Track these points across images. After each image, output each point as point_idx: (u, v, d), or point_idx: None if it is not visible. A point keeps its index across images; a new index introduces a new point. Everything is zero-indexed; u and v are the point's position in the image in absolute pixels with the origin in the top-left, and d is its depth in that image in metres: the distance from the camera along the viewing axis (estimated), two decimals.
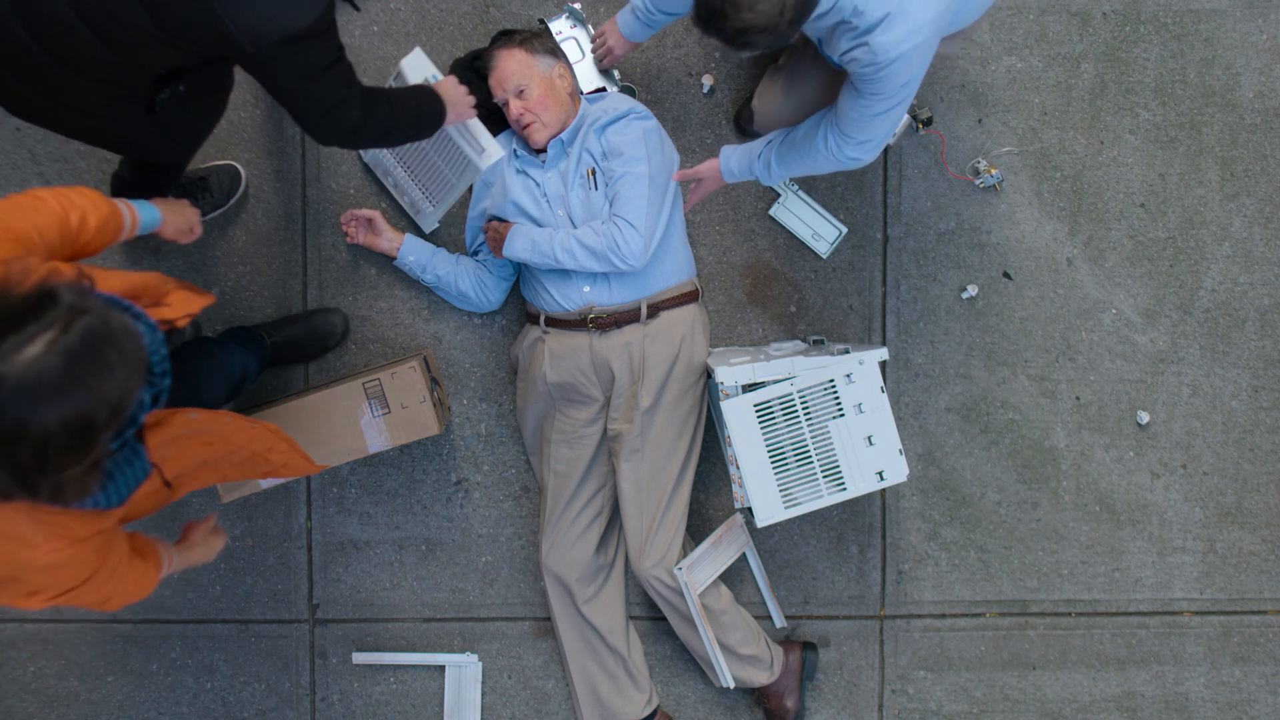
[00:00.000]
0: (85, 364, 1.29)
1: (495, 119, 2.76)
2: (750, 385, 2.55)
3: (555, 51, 2.65)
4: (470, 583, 2.97)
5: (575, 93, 2.69)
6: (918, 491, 2.99)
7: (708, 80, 2.87)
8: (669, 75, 2.88)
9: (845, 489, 2.57)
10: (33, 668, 2.96)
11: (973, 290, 2.94)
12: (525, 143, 2.68)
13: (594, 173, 2.61)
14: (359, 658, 2.95)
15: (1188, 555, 3.02)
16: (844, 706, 3.01)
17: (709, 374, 2.72)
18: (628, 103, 2.67)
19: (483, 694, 2.97)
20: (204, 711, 2.98)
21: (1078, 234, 2.96)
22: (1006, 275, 2.97)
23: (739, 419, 2.53)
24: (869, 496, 2.98)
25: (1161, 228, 2.97)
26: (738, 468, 2.56)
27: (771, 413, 2.54)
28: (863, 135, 2.28)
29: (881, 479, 2.57)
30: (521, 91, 2.59)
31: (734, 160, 2.54)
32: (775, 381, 2.53)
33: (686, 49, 2.88)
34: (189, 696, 2.98)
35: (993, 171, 2.91)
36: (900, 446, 2.55)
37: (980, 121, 2.93)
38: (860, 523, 2.99)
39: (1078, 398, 2.99)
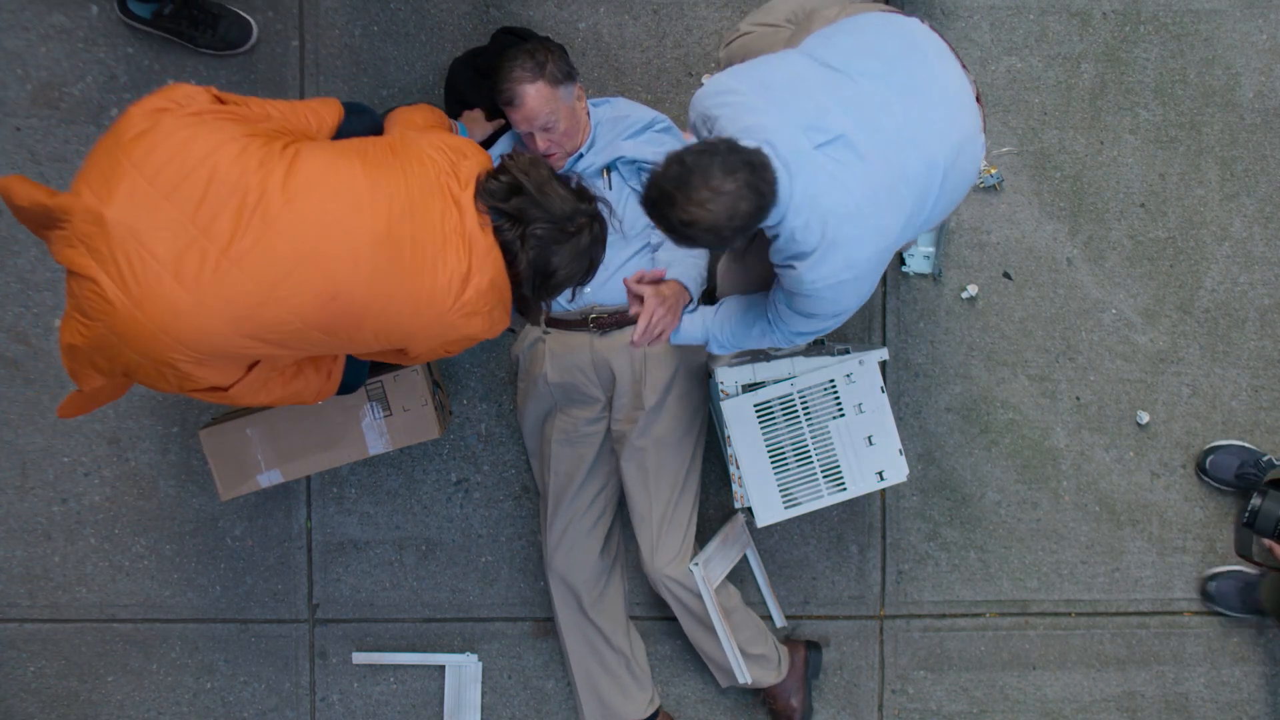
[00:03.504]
0: (594, 249, 2.08)
1: (493, 116, 2.74)
2: (750, 385, 2.55)
3: (571, 73, 2.53)
4: (470, 583, 2.97)
5: (588, 107, 2.64)
6: (918, 491, 2.99)
7: (707, 80, 2.87)
8: (669, 75, 2.88)
9: (845, 489, 2.57)
10: (33, 668, 2.96)
11: (973, 290, 2.94)
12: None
13: (609, 172, 2.58)
14: (359, 658, 2.95)
15: (1188, 555, 3.02)
16: (844, 706, 3.02)
17: (709, 373, 2.72)
18: (643, 110, 2.66)
19: (483, 694, 2.97)
20: (204, 711, 2.98)
21: (1078, 234, 2.96)
22: (1006, 275, 2.97)
23: (739, 419, 2.53)
24: (869, 496, 2.98)
25: (1161, 228, 2.97)
26: (738, 467, 2.57)
27: (771, 413, 2.54)
28: (796, 329, 2.23)
29: (882, 479, 2.57)
30: (549, 127, 2.49)
31: (686, 324, 2.40)
32: (775, 381, 2.54)
33: (686, 49, 2.88)
34: (189, 696, 2.98)
35: (993, 171, 2.91)
36: (900, 446, 2.55)
37: None
38: (860, 523, 2.99)
39: (1078, 398, 2.99)
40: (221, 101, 2.01)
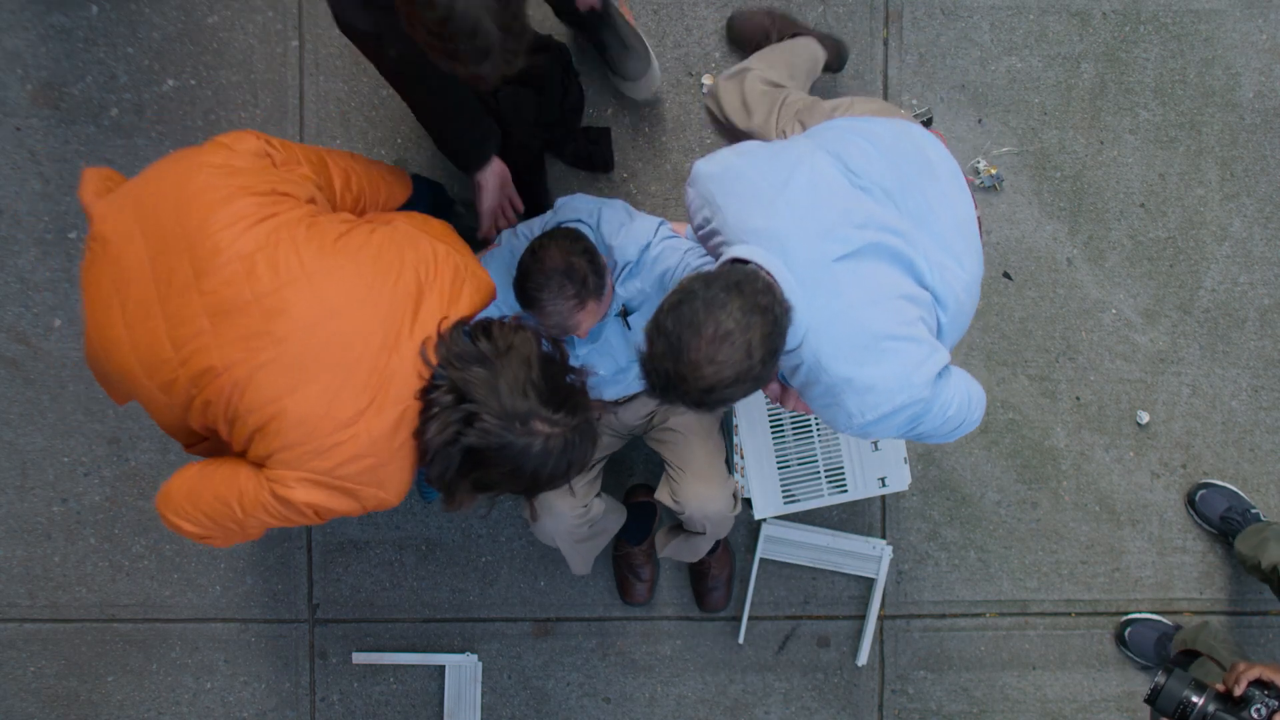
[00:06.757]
0: (547, 461, 1.75)
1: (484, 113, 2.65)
2: None
3: (602, 266, 2.31)
4: (470, 583, 2.97)
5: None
6: (918, 491, 2.99)
7: (708, 80, 2.87)
8: (669, 75, 2.88)
9: (846, 491, 2.58)
10: (33, 668, 2.96)
11: None
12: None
13: (627, 314, 2.44)
14: (359, 658, 2.95)
15: (1188, 555, 3.02)
16: (844, 706, 3.02)
17: None
18: (633, 234, 2.45)
19: (483, 694, 2.98)
20: (204, 711, 2.98)
21: (1078, 234, 2.96)
22: (1006, 275, 2.97)
23: (749, 409, 2.53)
24: (869, 496, 2.97)
25: (1161, 228, 2.97)
26: (742, 458, 2.57)
27: (781, 407, 2.54)
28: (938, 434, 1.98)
29: (884, 485, 2.57)
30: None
31: None
32: None
33: (686, 49, 2.88)
34: (189, 696, 2.98)
35: (993, 171, 2.91)
36: (905, 455, 2.55)
37: (980, 121, 2.93)
38: (860, 522, 2.99)
39: (1078, 398, 2.99)
40: (270, 150, 1.93)
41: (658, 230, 2.44)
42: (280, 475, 1.74)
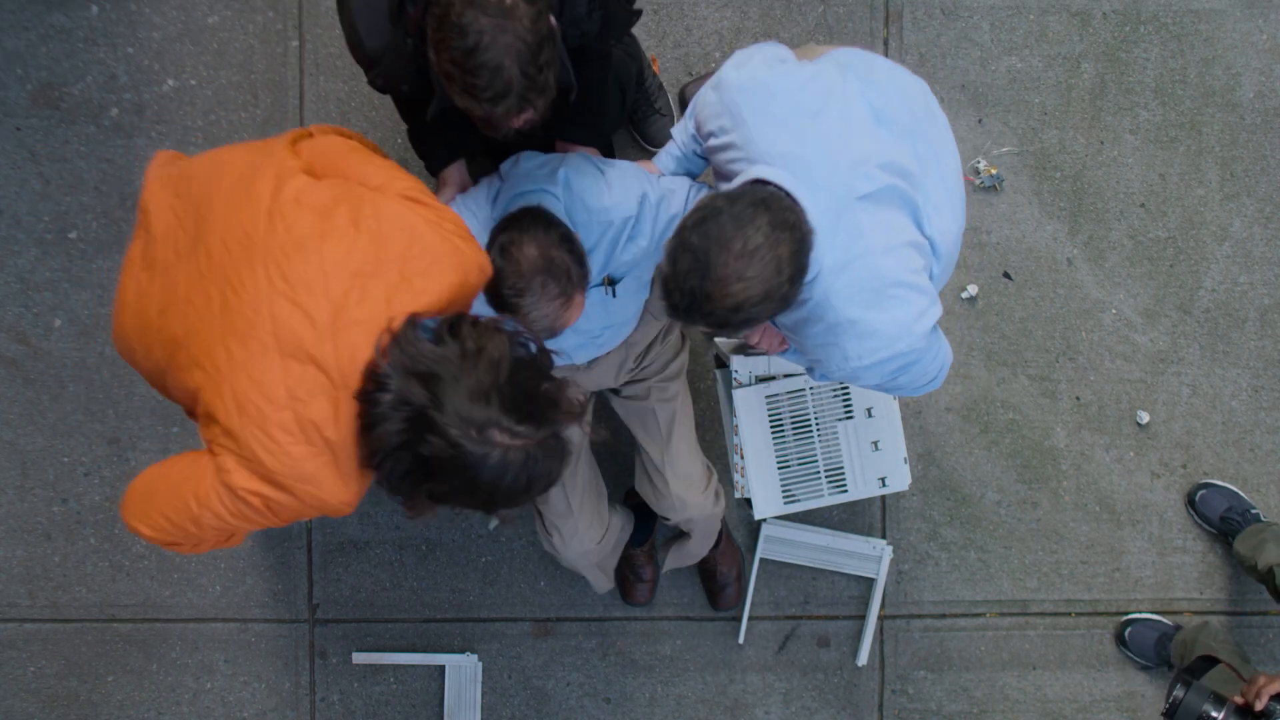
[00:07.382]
0: (534, 474, 1.59)
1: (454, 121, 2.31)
2: (764, 377, 2.55)
3: (583, 254, 2.08)
4: (470, 583, 2.97)
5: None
6: (918, 491, 2.99)
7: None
8: (669, 75, 2.88)
9: (846, 491, 2.58)
10: (33, 668, 2.96)
11: (973, 290, 2.94)
12: None
13: (611, 282, 2.23)
14: (359, 658, 2.95)
15: (1188, 555, 3.02)
16: (844, 706, 3.02)
17: (724, 363, 2.70)
18: (613, 191, 2.18)
19: (483, 694, 2.98)
20: (204, 711, 2.98)
21: (1078, 234, 2.96)
22: (1006, 275, 2.97)
23: (749, 408, 2.52)
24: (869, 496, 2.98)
25: (1161, 228, 2.97)
26: (742, 457, 2.57)
27: (781, 407, 2.54)
28: (911, 386, 1.98)
29: (884, 485, 2.57)
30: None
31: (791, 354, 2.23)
32: (788, 376, 2.54)
33: (686, 49, 2.88)
34: (189, 696, 2.98)
35: (993, 171, 2.91)
36: (905, 455, 2.55)
37: (980, 121, 2.93)
38: (860, 522, 2.99)
39: (1078, 398, 2.99)
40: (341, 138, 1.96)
41: (640, 175, 2.25)
42: (223, 460, 1.65)
